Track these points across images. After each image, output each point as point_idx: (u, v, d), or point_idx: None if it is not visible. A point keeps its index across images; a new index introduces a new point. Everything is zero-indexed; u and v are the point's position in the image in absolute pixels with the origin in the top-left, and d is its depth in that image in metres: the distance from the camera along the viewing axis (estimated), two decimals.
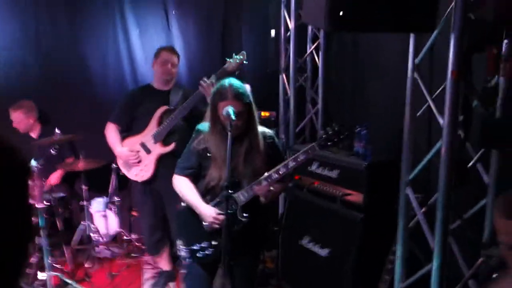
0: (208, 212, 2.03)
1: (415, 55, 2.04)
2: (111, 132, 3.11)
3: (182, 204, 2.19)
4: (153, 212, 3.20)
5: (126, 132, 3.15)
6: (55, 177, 3.61)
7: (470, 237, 2.09)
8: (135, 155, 3.04)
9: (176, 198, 2.23)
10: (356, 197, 2.53)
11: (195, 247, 2.10)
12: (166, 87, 3.15)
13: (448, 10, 1.87)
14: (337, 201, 2.61)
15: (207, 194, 2.11)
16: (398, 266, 2.22)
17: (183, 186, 2.14)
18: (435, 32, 1.91)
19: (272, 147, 2.15)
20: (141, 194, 3.17)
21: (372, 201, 2.48)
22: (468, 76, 1.82)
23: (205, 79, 2.83)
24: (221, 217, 1.99)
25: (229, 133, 1.87)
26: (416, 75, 2.03)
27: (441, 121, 1.87)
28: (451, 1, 1.80)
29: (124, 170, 3.15)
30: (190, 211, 2.13)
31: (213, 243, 2.08)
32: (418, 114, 2.10)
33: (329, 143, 1.94)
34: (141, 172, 3.07)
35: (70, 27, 3.87)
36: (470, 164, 2.05)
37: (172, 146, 3.00)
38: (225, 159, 1.97)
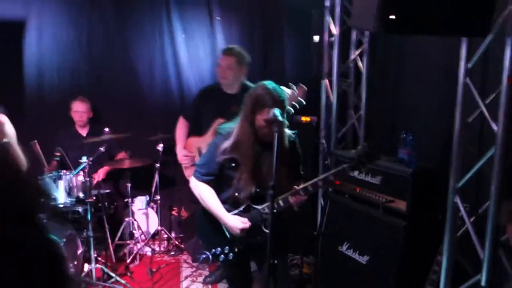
0: (234, 223, 2.06)
1: (468, 59, 1.98)
2: (179, 128, 3.23)
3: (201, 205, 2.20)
4: None
5: (194, 127, 3.22)
6: (101, 173, 3.76)
7: None
8: (188, 158, 3.14)
9: None
10: (399, 204, 2.47)
11: (217, 252, 2.13)
12: (230, 90, 3.09)
13: (504, 14, 1.81)
14: (379, 208, 2.57)
15: (226, 203, 2.12)
16: (443, 277, 2.16)
17: (205, 193, 2.14)
18: (489, 37, 1.86)
19: (292, 149, 2.15)
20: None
21: (415, 209, 2.42)
22: None
23: None
24: (247, 226, 2.05)
25: (275, 135, 1.84)
26: (468, 80, 1.98)
27: (494, 127, 1.81)
28: (506, 5, 1.75)
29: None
30: (207, 214, 2.15)
31: (235, 250, 2.11)
32: (469, 120, 2.04)
33: (360, 166, 1.95)
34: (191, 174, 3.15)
35: (120, 34, 4.05)
36: None
37: None
38: (252, 171, 2.01)
